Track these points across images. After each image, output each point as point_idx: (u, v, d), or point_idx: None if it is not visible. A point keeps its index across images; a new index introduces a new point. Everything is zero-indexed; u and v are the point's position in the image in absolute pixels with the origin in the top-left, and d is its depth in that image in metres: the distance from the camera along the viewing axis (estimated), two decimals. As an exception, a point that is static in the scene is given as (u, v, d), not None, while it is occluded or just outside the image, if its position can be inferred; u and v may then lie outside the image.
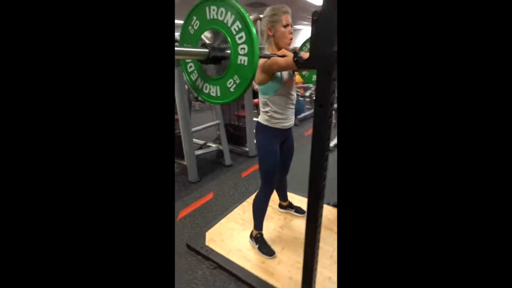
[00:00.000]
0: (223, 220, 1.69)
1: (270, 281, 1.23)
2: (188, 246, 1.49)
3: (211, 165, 2.74)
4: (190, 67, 1.01)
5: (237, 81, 0.89)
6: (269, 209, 1.72)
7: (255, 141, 1.35)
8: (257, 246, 1.41)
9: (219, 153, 2.87)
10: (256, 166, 2.67)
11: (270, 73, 1.10)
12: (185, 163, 2.31)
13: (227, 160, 2.71)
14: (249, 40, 0.81)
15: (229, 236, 1.54)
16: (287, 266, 1.32)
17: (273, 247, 1.40)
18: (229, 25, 0.84)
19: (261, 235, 1.43)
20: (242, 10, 0.82)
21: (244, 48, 0.83)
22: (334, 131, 3.31)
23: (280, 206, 1.79)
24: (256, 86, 1.30)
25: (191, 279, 1.29)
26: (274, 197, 1.76)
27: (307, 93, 4.68)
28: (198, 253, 1.44)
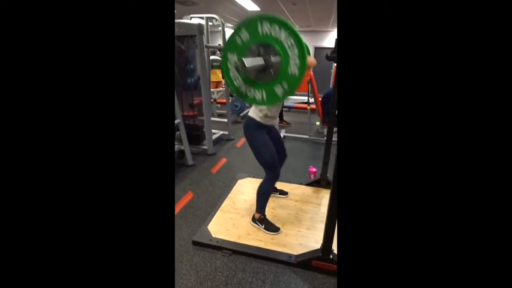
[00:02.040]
0: (218, 213, 1.74)
1: (286, 250, 1.42)
2: (195, 243, 1.49)
3: (173, 167, 2.62)
4: (233, 72, 1.14)
5: (286, 87, 1.10)
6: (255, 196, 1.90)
7: (246, 135, 1.50)
8: (262, 226, 1.57)
9: (180, 153, 2.77)
10: (223, 161, 2.74)
11: None
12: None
13: (189, 160, 2.67)
14: (302, 55, 1.02)
15: (232, 225, 1.62)
16: (293, 236, 1.53)
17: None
18: (282, 40, 1.02)
19: (265, 216, 1.59)
20: (295, 29, 1.02)
21: (296, 62, 1.03)
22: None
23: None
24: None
25: (213, 269, 1.33)
26: (251, 186, 1.93)
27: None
28: (208, 246, 1.47)
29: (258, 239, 1.51)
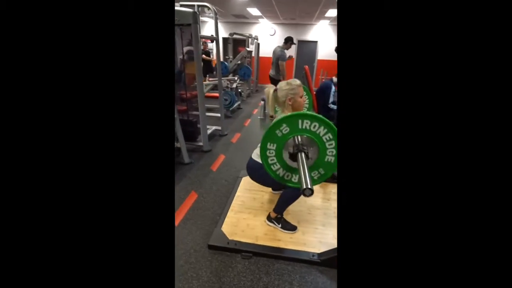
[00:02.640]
0: (230, 214, 1.67)
1: (307, 249, 1.39)
2: (211, 247, 1.41)
3: (169, 165, 2.48)
4: (272, 160, 1.31)
5: (322, 172, 1.32)
6: (264, 195, 1.85)
7: (254, 177, 1.57)
8: (279, 226, 1.53)
9: (176, 151, 2.62)
10: (221, 158, 2.65)
11: None
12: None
13: (186, 157, 2.54)
14: (336, 147, 1.22)
15: (246, 226, 1.56)
16: (311, 234, 1.51)
17: (292, 223, 1.56)
18: (321, 135, 1.21)
19: (281, 215, 1.55)
20: (333, 127, 1.19)
21: (332, 152, 1.25)
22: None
23: (274, 188, 1.93)
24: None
25: (236, 274, 1.27)
26: (256, 184, 1.89)
27: (234, 85, 4.84)
28: (226, 249, 1.40)
29: (277, 239, 1.47)
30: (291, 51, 8.05)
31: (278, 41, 7.97)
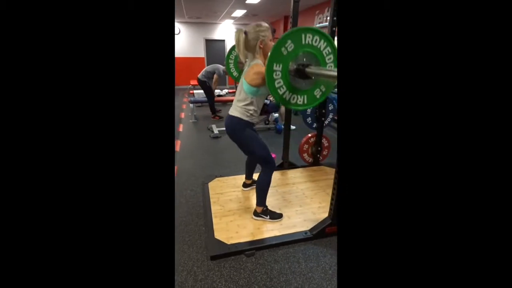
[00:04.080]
0: (215, 221, 1.65)
1: (298, 229, 1.57)
2: (214, 257, 1.38)
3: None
4: (279, 83, 1.25)
5: (323, 90, 1.35)
6: (238, 194, 1.93)
7: (235, 136, 1.51)
8: (267, 217, 1.64)
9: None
10: (175, 168, 2.46)
11: None
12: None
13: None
14: (335, 61, 1.27)
15: (237, 227, 1.59)
16: (295, 216, 1.70)
17: (276, 211, 1.70)
18: (321, 49, 1.25)
19: (267, 207, 1.66)
20: (332, 40, 1.25)
21: (331, 66, 1.29)
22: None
23: (244, 185, 2.01)
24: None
25: (250, 273, 1.31)
26: (231, 184, 1.99)
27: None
28: (229, 254, 1.40)
29: (270, 229, 1.58)
30: (200, 50, 7.95)
31: (184, 40, 7.70)
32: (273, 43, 1.38)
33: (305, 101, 1.36)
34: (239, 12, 5.78)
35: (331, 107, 2.34)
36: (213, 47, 8.07)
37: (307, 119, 2.29)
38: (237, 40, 1.37)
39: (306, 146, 2.40)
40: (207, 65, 4.05)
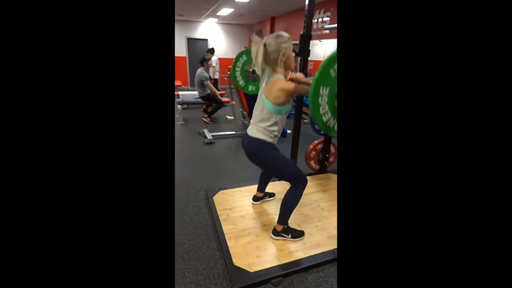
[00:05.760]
0: (230, 243, 1.44)
1: (324, 249, 1.43)
2: (238, 290, 1.19)
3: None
4: (323, 108, 1.08)
5: None
6: (249, 209, 1.77)
7: (260, 158, 1.37)
8: (289, 236, 1.47)
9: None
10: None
11: (294, 96, 1.29)
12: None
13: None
14: None
15: (257, 249, 1.41)
16: (316, 233, 1.56)
17: (296, 228, 1.55)
18: None
19: (288, 225, 1.49)
20: None
21: None
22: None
23: (255, 199, 1.83)
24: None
25: (281, 306, 1.13)
26: (238, 198, 1.82)
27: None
28: (254, 285, 1.21)
29: (294, 250, 1.42)
30: (181, 49, 7.59)
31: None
32: (293, 54, 1.28)
33: None
34: (225, 11, 5.56)
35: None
36: (195, 46, 7.74)
37: (315, 125, 2.17)
38: (256, 53, 1.21)
39: (313, 153, 2.27)
40: (189, 65, 3.90)
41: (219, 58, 6.21)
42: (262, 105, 1.29)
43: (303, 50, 1.84)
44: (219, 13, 5.86)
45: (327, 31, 4.23)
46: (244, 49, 2.55)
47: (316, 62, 4.58)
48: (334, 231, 1.57)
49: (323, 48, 4.38)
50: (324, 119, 1.14)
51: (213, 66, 5.46)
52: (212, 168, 2.50)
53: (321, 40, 4.42)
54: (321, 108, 1.10)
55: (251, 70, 2.50)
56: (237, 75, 2.54)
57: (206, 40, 7.78)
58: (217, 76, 5.76)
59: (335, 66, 1.03)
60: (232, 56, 7.73)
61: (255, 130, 1.33)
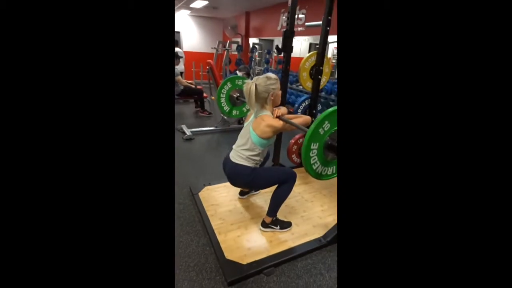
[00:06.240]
0: (220, 238, 1.45)
1: (311, 237, 1.50)
2: (232, 282, 1.20)
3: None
4: (314, 159, 1.29)
5: None
6: (236, 203, 1.79)
7: (242, 182, 1.50)
8: (278, 227, 1.52)
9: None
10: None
11: (279, 132, 1.45)
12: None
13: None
14: None
15: (247, 242, 1.44)
16: (302, 223, 1.62)
17: (284, 220, 1.60)
18: None
19: (277, 217, 1.53)
20: None
21: None
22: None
23: (241, 193, 1.84)
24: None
25: (275, 294, 1.17)
26: (224, 193, 1.81)
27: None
28: (247, 276, 1.24)
29: (283, 240, 1.46)
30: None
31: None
32: (280, 93, 1.44)
33: (333, 171, 1.43)
34: (199, 3, 5.39)
35: (319, 107, 2.34)
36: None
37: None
38: (248, 92, 1.35)
39: (295, 147, 2.34)
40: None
41: (191, 52, 6.04)
42: (248, 136, 1.39)
43: (285, 46, 1.88)
44: (192, 5, 5.67)
45: (303, 28, 4.34)
46: (229, 77, 2.69)
47: (293, 59, 4.66)
48: (319, 221, 1.65)
49: (299, 45, 4.48)
50: (314, 167, 1.34)
51: (182, 57, 5.34)
52: (194, 164, 2.45)
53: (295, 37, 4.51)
54: (311, 159, 1.30)
55: (235, 96, 2.66)
56: (222, 101, 2.64)
57: (178, 32, 7.48)
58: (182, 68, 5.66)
59: (324, 125, 1.23)
60: (206, 50, 7.54)
61: (237, 156, 1.42)
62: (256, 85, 1.35)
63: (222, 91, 2.59)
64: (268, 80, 1.36)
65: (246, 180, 1.42)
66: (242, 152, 1.41)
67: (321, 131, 1.23)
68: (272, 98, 1.39)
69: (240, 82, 2.61)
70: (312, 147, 1.25)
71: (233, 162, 1.41)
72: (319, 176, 1.38)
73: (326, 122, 1.22)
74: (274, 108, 1.44)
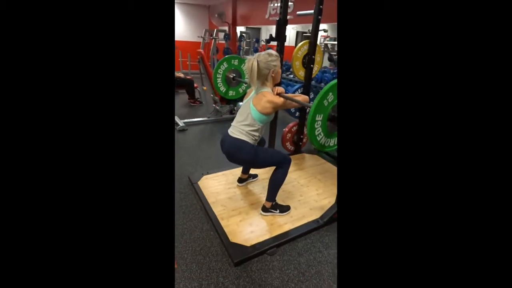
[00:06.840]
0: (223, 223, 1.51)
1: (309, 219, 1.59)
2: (238, 263, 1.28)
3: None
4: (318, 130, 1.35)
5: None
6: (236, 191, 1.85)
7: (240, 158, 1.49)
8: (277, 211, 1.60)
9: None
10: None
11: (279, 109, 1.50)
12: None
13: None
14: None
15: (249, 226, 1.51)
16: (300, 206, 1.71)
17: (282, 204, 1.68)
18: None
19: (276, 201, 1.61)
20: None
21: None
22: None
23: (240, 180, 1.90)
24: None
25: (278, 271, 1.26)
26: (223, 181, 1.92)
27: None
28: (252, 257, 1.32)
29: (283, 223, 1.55)
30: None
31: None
32: (280, 70, 1.47)
33: (335, 143, 1.51)
34: (184, -10, 5.22)
35: (312, 95, 2.40)
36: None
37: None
38: (250, 68, 1.36)
39: (289, 135, 2.41)
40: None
41: (177, 41, 5.88)
42: (248, 112, 1.42)
43: (279, 35, 1.90)
44: (177, -8, 5.48)
45: (291, 17, 4.33)
46: (225, 57, 2.64)
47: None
48: (315, 204, 1.75)
49: (288, 33, 4.48)
50: (318, 138, 1.40)
51: None
52: (190, 155, 2.47)
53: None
54: (316, 131, 1.36)
55: (231, 76, 2.66)
56: (218, 81, 2.61)
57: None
58: None
59: (328, 97, 1.28)
60: (192, 39, 7.36)
61: (237, 131, 1.44)
62: (258, 62, 1.36)
63: (219, 71, 2.59)
64: (269, 57, 1.38)
65: (247, 158, 1.45)
66: (242, 127, 1.43)
67: (325, 102, 1.30)
68: (272, 75, 1.41)
69: (236, 62, 2.60)
70: (317, 118, 1.32)
71: (232, 137, 1.43)
72: (323, 147, 1.46)
73: (330, 93, 1.29)
74: (274, 86, 1.47)
